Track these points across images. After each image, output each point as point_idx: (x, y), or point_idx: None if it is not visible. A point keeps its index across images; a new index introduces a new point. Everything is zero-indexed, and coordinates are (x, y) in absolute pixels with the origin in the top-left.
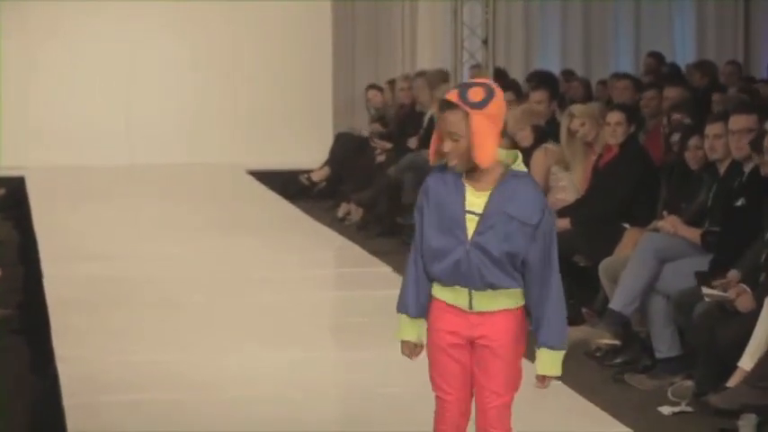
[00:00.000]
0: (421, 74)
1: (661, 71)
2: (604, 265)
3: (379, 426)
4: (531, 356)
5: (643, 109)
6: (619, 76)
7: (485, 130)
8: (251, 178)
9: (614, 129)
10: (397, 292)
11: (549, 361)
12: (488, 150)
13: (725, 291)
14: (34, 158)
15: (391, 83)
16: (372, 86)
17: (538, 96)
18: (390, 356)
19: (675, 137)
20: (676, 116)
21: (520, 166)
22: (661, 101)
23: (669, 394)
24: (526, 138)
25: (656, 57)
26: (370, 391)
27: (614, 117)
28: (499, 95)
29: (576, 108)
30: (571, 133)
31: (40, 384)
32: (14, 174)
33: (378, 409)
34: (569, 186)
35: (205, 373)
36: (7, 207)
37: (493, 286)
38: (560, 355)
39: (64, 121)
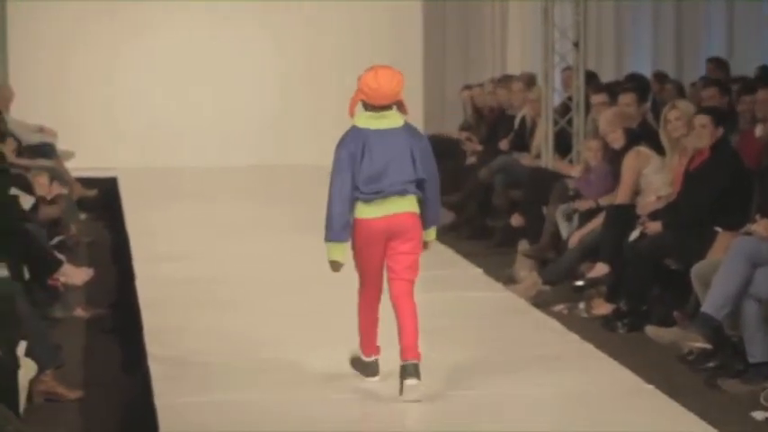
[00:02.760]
0: (507, 78)
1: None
2: (696, 269)
3: (458, 427)
4: None
5: (740, 113)
6: (704, 82)
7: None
8: None
9: (699, 131)
10: (488, 294)
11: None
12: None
13: None
14: (126, 159)
15: (480, 86)
16: (468, 87)
17: (627, 99)
18: (473, 358)
19: None
20: None
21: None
22: (752, 103)
23: (762, 399)
24: (617, 140)
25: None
26: (448, 394)
27: (700, 120)
28: (363, 76)
29: (682, 103)
30: (666, 121)
31: (132, 384)
32: (107, 175)
33: (457, 411)
34: (662, 186)
35: (290, 374)
36: (99, 207)
37: None
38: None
39: (154, 123)
